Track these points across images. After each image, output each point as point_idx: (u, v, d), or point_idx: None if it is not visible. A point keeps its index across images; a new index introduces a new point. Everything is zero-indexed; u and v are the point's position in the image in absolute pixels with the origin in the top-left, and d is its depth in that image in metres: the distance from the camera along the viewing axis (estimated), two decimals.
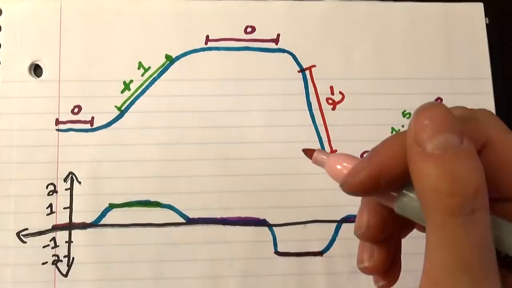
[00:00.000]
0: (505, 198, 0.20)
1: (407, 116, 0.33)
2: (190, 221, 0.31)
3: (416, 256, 0.32)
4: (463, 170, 0.18)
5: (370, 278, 0.32)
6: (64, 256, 0.31)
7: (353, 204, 0.32)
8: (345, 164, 0.20)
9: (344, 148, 0.33)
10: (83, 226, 0.31)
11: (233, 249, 0.31)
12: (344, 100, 0.33)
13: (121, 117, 0.32)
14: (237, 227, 0.31)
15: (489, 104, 0.34)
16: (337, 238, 0.32)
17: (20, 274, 0.30)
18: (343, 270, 0.31)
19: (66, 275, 0.30)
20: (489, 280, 0.17)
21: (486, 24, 0.35)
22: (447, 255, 0.17)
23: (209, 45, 0.33)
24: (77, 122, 0.32)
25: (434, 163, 0.18)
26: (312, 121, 0.33)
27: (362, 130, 0.33)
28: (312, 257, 0.32)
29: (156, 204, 0.31)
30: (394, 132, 0.33)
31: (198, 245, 0.31)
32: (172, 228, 0.31)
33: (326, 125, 0.33)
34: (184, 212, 0.31)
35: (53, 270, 0.30)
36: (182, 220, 0.31)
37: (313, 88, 0.33)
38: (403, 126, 0.33)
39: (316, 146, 0.32)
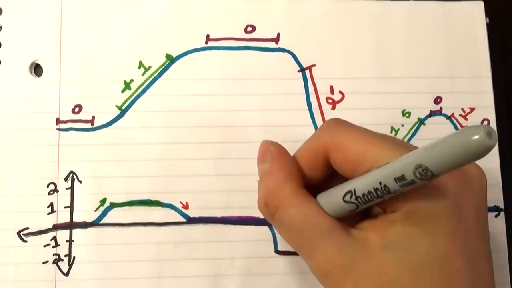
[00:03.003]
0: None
1: (407, 115, 0.34)
2: (190, 221, 0.31)
3: None
4: (260, 190, 0.26)
5: None
6: (65, 255, 0.31)
7: None
8: None
9: None
10: (84, 225, 0.31)
11: (234, 248, 0.31)
12: (344, 99, 0.33)
13: (122, 117, 0.32)
14: (238, 226, 0.32)
15: (489, 103, 0.34)
16: None
17: (21, 273, 0.30)
18: None
19: (67, 274, 0.31)
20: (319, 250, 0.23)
21: (486, 24, 0.35)
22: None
23: (210, 44, 0.33)
24: (77, 122, 0.32)
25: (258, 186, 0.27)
26: (312, 121, 0.33)
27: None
28: None
29: (157, 204, 0.31)
30: (393, 132, 0.33)
31: (199, 244, 0.31)
32: (173, 227, 0.31)
33: None
34: (185, 212, 0.31)
35: (54, 269, 0.31)
36: (182, 219, 0.31)
37: (313, 88, 0.33)
38: (402, 125, 0.33)
39: None
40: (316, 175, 0.26)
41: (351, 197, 0.23)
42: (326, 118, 0.33)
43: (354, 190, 0.23)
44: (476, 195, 0.24)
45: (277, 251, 0.32)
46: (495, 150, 0.34)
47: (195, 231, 0.31)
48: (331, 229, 0.23)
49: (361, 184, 0.23)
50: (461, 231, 0.22)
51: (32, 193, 0.31)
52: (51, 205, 0.31)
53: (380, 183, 0.21)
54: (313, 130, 0.33)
